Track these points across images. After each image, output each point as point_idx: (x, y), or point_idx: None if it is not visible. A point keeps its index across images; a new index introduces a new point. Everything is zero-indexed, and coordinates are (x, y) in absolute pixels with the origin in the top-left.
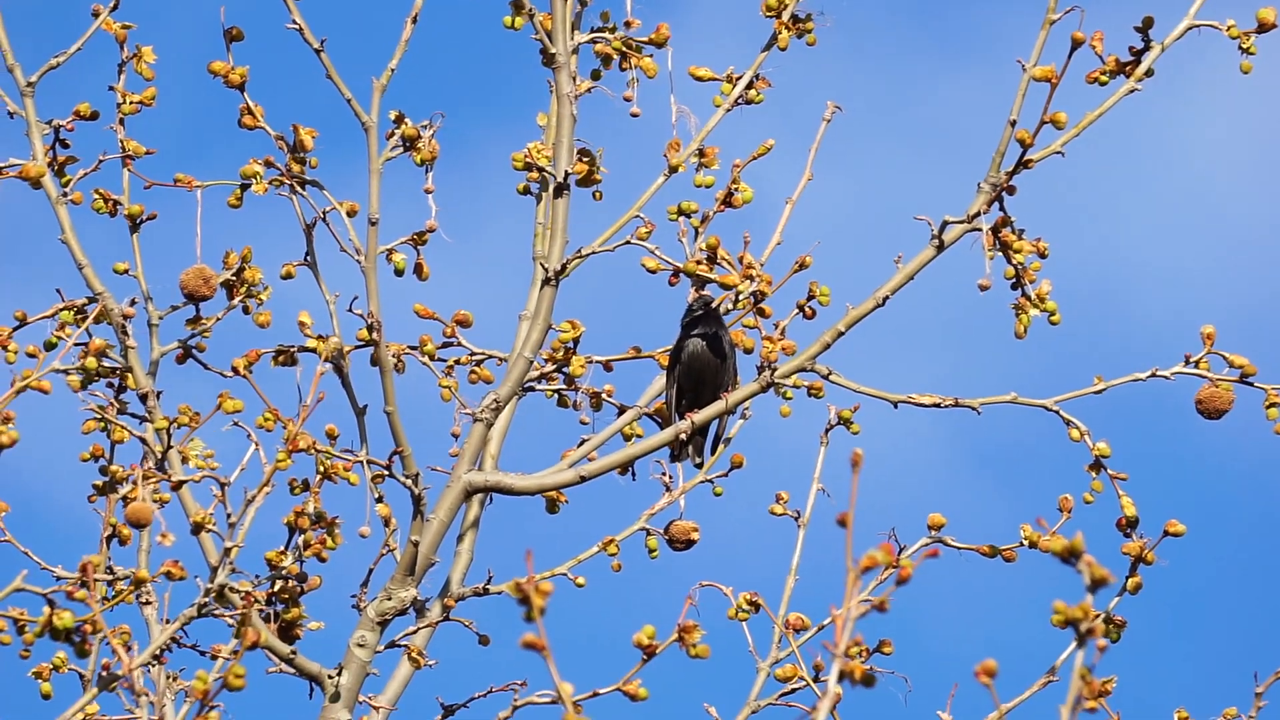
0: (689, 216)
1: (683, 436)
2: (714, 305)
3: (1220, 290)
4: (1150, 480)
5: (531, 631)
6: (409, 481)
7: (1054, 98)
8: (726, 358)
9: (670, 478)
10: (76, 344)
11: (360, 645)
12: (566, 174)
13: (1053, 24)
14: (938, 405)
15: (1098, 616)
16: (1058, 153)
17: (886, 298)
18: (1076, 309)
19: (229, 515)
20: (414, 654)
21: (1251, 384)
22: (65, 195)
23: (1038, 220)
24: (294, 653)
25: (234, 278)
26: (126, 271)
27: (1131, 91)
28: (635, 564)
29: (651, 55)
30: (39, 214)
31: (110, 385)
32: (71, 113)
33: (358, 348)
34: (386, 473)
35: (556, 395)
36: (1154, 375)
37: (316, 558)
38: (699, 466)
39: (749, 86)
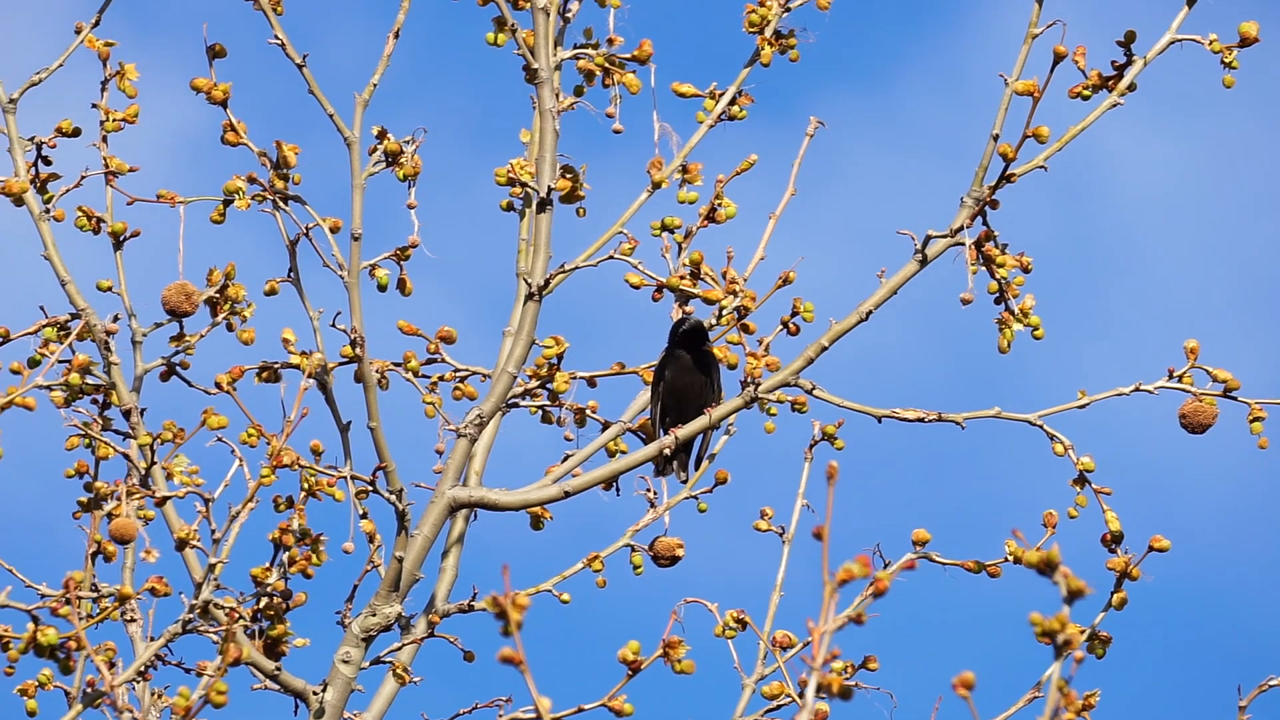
0: (672, 232)
1: (667, 452)
2: (703, 326)
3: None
4: (1135, 495)
5: (509, 646)
6: (393, 497)
7: (1036, 112)
8: (711, 374)
9: (655, 494)
10: (60, 361)
11: (345, 661)
12: (550, 189)
13: (1035, 38)
14: (921, 420)
15: (1076, 629)
16: (1040, 167)
17: (870, 312)
18: (1060, 324)
19: (213, 531)
20: (399, 670)
21: (1235, 398)
22: (47, 212)
23: (1021, 234)
24: (278, 669)
25: (217, 294)
26: (110, 288)
27: (1114, 106)
28: (620, 580)
29: (634, 71)
30: (21, 231)
31: (95, 402)
32: (54, 129)
33: (341, 364)
34: (370, 489)
35: (540, 411)
36: (1138, 389)
37: (302, 574)
38: (683, 482)
39: (732, 102)
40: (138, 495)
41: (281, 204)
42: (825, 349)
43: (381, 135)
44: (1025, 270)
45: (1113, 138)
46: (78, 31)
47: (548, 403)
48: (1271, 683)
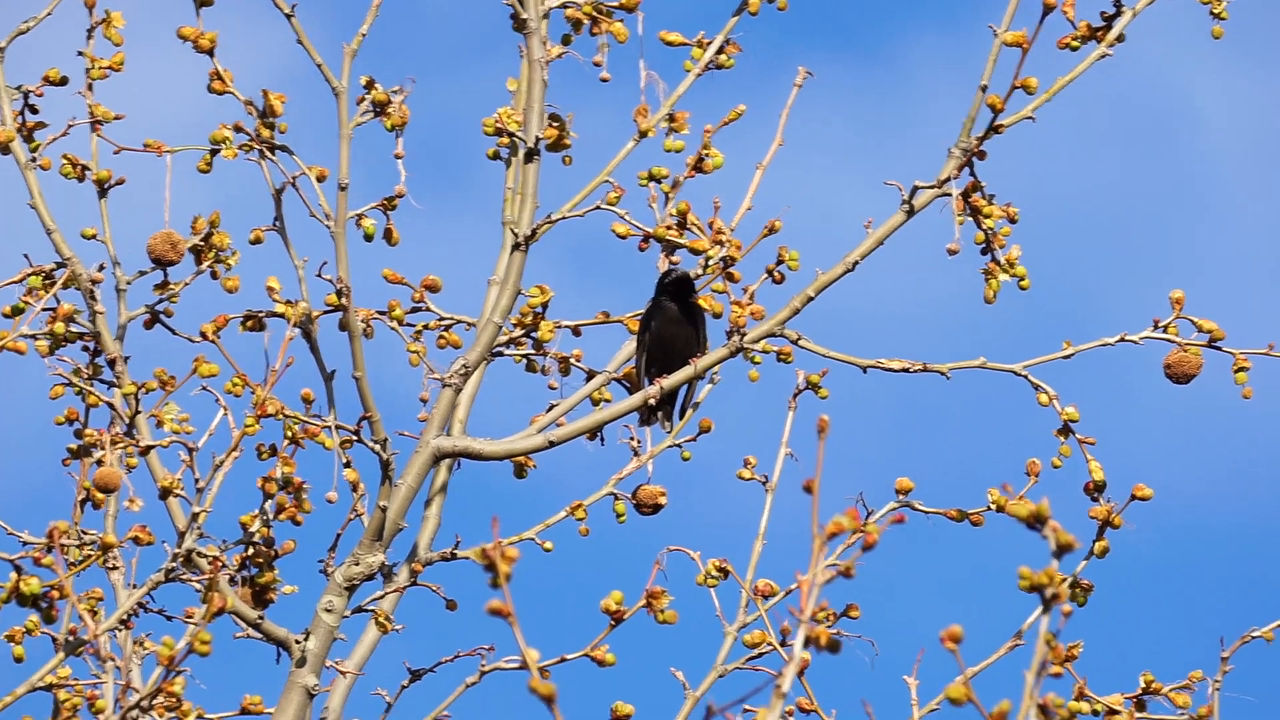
0: (659, 182)
1: (652, 401)
2: (689, 276)
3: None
4: (1118, 445)
5: (497, 597)
6: (377, 447)
7: (1025, 63)
8: (697, 324)
9: (639, 442)
10: (45, 309)
11: (328, 610)
12: (537, 139)
13: None
14: (906, 370)
15: (1063, 581)
16: (1029, 118)
17: (856, 263)
18: (1046, 274)
19: (197, 480)
20: (381, 619)
21: (1220, 348)
22: (34, 160)
23: (1008, 185)
24: (261, 617)
25: (202, 243)
26: (95, 237)
27: (1103, 57)
28: (603, 529)
29: (622, 20)
30: (7, 179)
31: (85, 349)
32: (40, 78)
33: (326, 313)
34: (355, 438)
35: (525, 360)
36: (1123, 340)
37: (291, 521)
38: (668, 431)
39: (719, 51)
40: (122, 444)
41: (268, 153)
42: (811, 299)
43: (369, 85)
44: (1011, 220)
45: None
46: None
47: (532, 352)
48: (1254, 633)
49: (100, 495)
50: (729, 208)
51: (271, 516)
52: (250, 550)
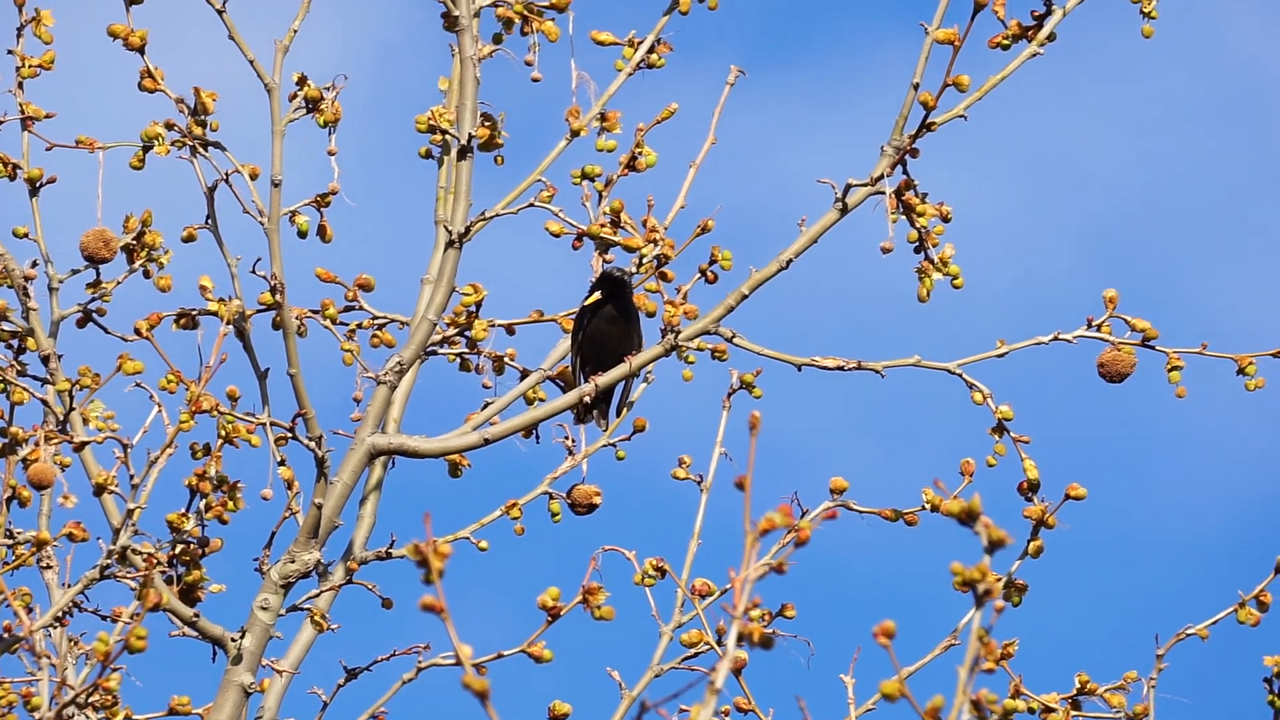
0: (593, 180)
1: (587, 399)
2: (625, 276)
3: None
4: (1052, 444)
5: (430, 594)
6: (312, 444)
7: (956, 61)
8: (632, 322)
9: (573, 441)
10: None
11: (263, 608)
12: (470, 137)
13: None
14: (841, 368)
15: (996, 579)
16: (960, 116)
17: (790, 260)
18: (979, 272)
19: (131, 477)
20: (317, 617)
21: (1153, 347)
22: None
23: (941, 183)
24: (197, 615)
25: (134, 241)
26: (26, 235)
27: (1034, 55)
28: (538, 528)
29: (553, 19)
30: None
31: (9, 347)
32: None
33: (259, 311)
34: (290, 435)
35: (459, 359)
36: (1056, 339)
37: (218, 520)
38: (603, 430)
39: (651, 50)
40: (55, 440)
41: (201, 150)
42: (745, 296)
43: (301, 82)
44: (945, 219)
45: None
46: None
47: (466, 350)
48: (1188, 631)
49: (28, 493)
50: (662, 206)
51: (202, 514)
52: (179, 548)
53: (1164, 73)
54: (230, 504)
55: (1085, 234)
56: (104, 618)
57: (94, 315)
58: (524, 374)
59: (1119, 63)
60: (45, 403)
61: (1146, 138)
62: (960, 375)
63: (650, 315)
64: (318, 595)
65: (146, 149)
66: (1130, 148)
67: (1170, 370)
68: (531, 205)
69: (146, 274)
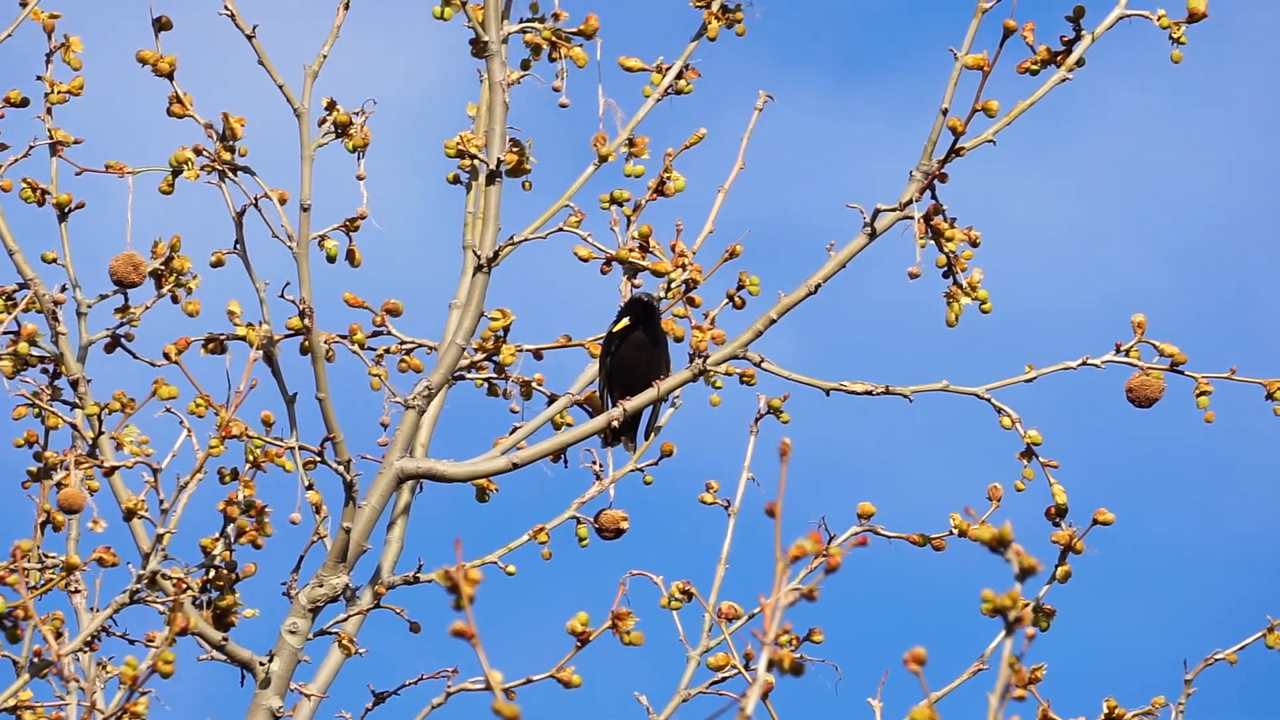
0: (621, 205)
1: (615, 424)
2: (655, 302)
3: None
4: (1081, 469)
5: (461, 620)
6: (341, 468)
7: (986, 86)
8: (660, 347)
9: (601, 466)
10: (6, 331)
11: (292, 632)
12: (499, 162)
13: (985, 12)
14: (869, 393)
15: (1026, 605)
16: (989, 141)
17: (819, 285)
18: (1008, 297)
19: (161, 502)
20: (345, 641)
21: (1182, 372)
22: None
23: (970, 208)
24: (225, 639)
25: (162, 267)
26: (55, 260)
27: (1063, 81)
28: (565, 552)
29: (581, 45)
30: None
31: (45, 371)
32: (1, 99)
33: (288, 336)
34: (318, 459)
35: (487, 384)
36: (1085, 364)
37: (252, 544)
38: (630, 454)
39: (679, 76)
40: (85, 465)
41: (229, 175)
42: (774, 321)
43: (331, 106)
44: (973, 244)
45: None
46: (23, 4)
47: (494, 375)
48: (1218, 656)
49: (61, 517)
50: (691, 231)
51: (233, 539)
52: (211, 573)
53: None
54: (261, 529)
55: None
56: (133, 642)
57: (122, 340)
58: (551, 399)
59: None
60: (75, 427)
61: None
62: (989, 400)
63: (678, 340)
64: (346, 619)
65: (175, 174)
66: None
67: (1199, 395)
68: (560, 230)
69: (175, 299)
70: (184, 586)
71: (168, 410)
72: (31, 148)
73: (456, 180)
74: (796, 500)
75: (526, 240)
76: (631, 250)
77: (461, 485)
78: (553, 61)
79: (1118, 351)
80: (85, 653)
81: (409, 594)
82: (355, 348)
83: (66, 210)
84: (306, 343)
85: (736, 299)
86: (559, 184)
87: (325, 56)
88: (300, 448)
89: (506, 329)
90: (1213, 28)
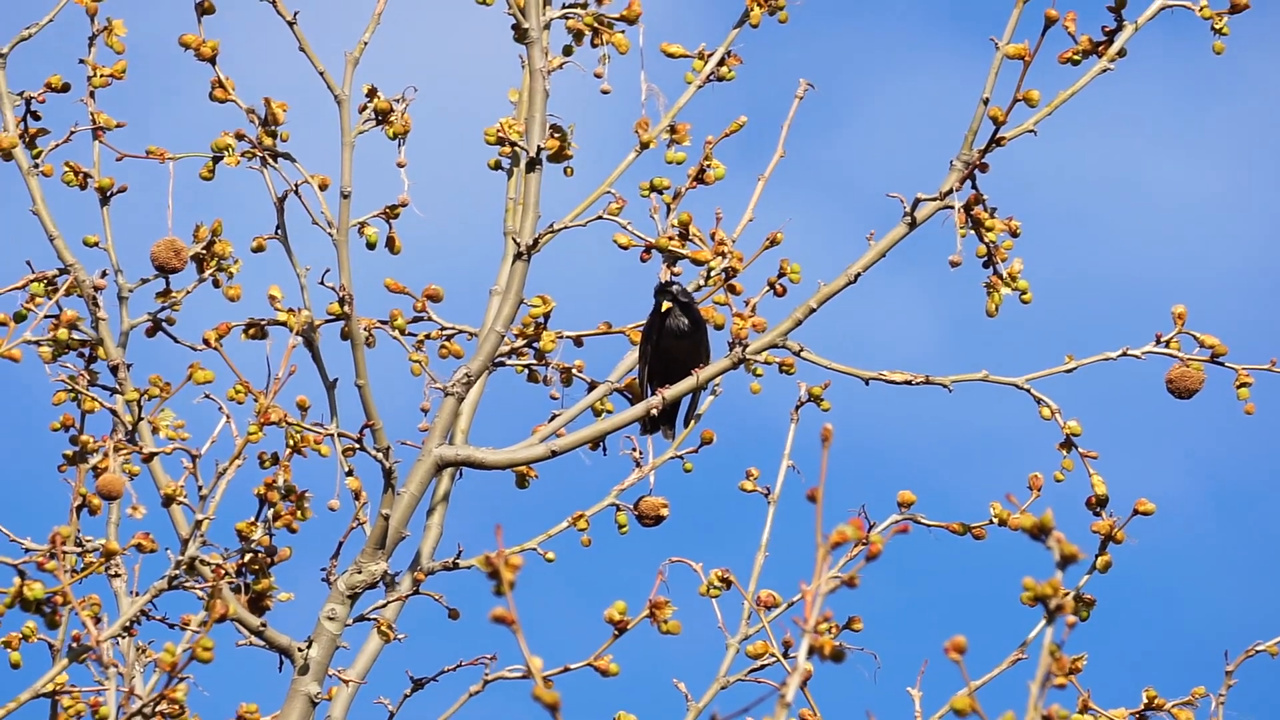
0: (661, 193)
1: (654, 411)
2: (689, 294)
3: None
4: (1121, 459)
5: (501, 605)
6: (380, 455)
7: (1027, 76)
8: (700, 335)
9: (640, 453)
10: (47, 316)
11: (330, 618)
12: (539, 149)
13: (1026, 2)
14: (909, 382)
15: (1067, 594)
16: (1030, 131)
17: (858, 274)
18: (1048, 287)
19: (200, 487)
20: (384, 627)
21: (1222, 364)
22: (36, 167)
23: (1010, 197)
24: (264, 625)
25: (204, 251)
26: (96, 244)
27: (1104, 71)
28: (605, 539)
29: (623, 31)
30: (10, 185)
31: (81, 356)
32: (43, 84)
33: (328, 322)
34: (357, 446)
35: (526, 370)
36: (1125, 354)
37: (287, 529)
38: (670, 441)
39: (720, 63)
40: (124, 451)
41: (270, 161)
42: (814, 310)
43: (372, 93)
44: (1014, 234)
45: None
46: None
47: (534, 362)
48: (1258, 648)
49: (97, 501)
50: (731, 218)
51: (271, 524)
52: (246, 557)
53: None
54: (299, 513)
55: None
56: (172, 626)
57: (163, 325)
58: (591, 386)
59: None
60: (114, 412)
61: None
62: (1029, 390)
63: (719, 328)
64: (384, 605)
65: (217, 159)
66: None
67: (1239, 386)
68: (600, 218)
69: (216, 284)
70: (223, 573)
71: (206, 396)
72: (73, 132)
73: (497, 166)
74: (837, 488)
75: (567, 228)
76: (671, 238)
77: (501, 472)
78: (594, 47)
79: (1158, 342)
80: (124, 638)
81: (448, 580)
82: (396, 333)
83: (108, 195)
84: (346, 329)
85: (778, 286)
86: (600, 171)
87: (366, 43)
88: (340, 434)
89: (547, 316)
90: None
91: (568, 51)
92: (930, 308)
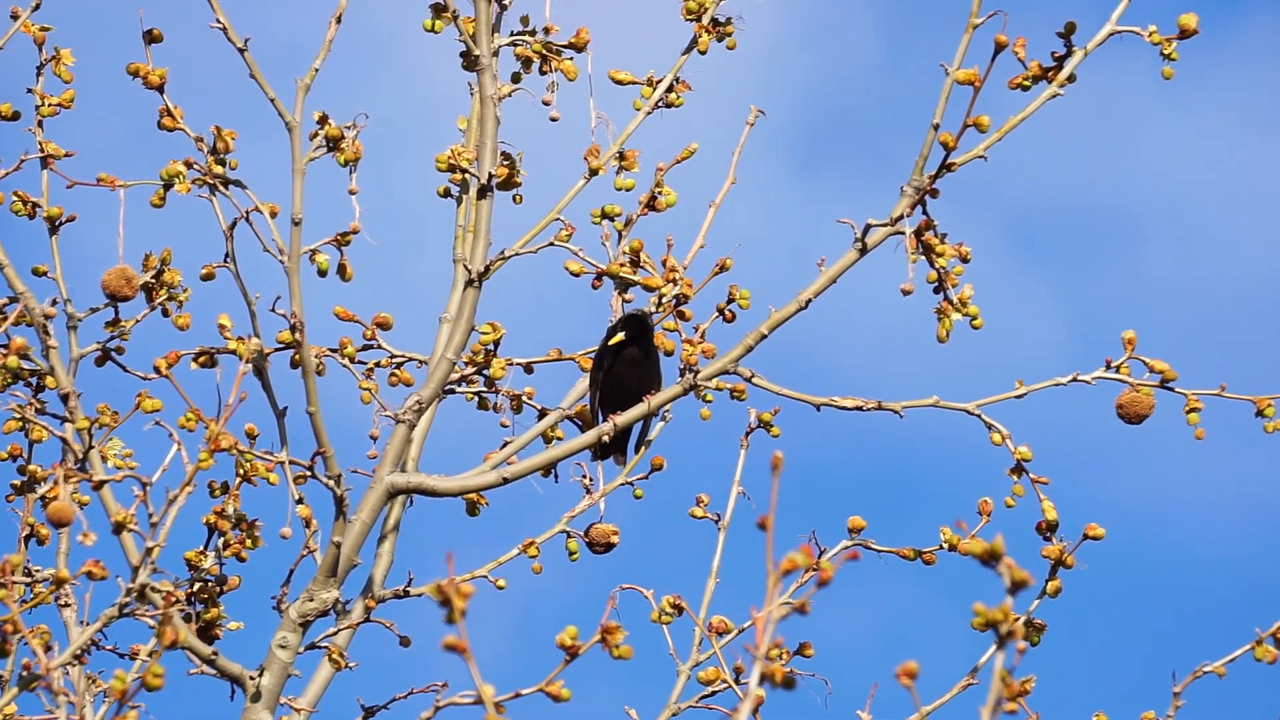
0: (612, 220)
1: (606, 438)
2: (646, 315)
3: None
4: (1071, 485)
5: (453, 633)
6: (331, 482)
7: (976, 101)
8: (651, 362)
9: (591, 480)
10: None
11: (282, 646)
12: (490, 175)
13: (975, 28)
14: (860, 408)
15: (1018, 619)
16: (980, 156)
17: (809, 300)
18: (998, 316)
19: (150, 515)
20: (335, 655)
21: (1172, 389)
22: None
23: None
24: (215, 653)
25: (153, 280)
26: (45, 273)
27: (1054, 96)
28: (555, 566)
29: (571, 59)
30: None
31: (28, 385)
32: None
33: (278, 350)
34: (308, 474)
35: (477, 398)
36: (1075, 380)
37: (236, 558)
38: (621, 468)
39: (669, 90)
40: (75, 478)
41: (220, 188)
42: (765, 336)
43: (323, 120)
44: (964, 260)
45: None
46: (14, 17)
47: (484, 389)
48: (1205, 669)
49: (46, 531)
50: (682, 245)
51: (220, 553)
52: (196, 586)
53: None
54: (249, 542)
55: None
56: (122, 655)
57: (113, 353)
58: (542, 413)
59: None
60: (64, 441)
61: None
62: (979, 416)
63: (669, 354)
64: (336, 633)
65: (167, 187)
66: None
67: (1189, 412)
68: (551, 244)
69: (165, 312)
70: (173, 600)
71: (157, 423)
72: (23, 161)
73: (447, 194)
74: (787, 515)
75: (517, 254)
76: (622, 265)
77: (452, 499)
78: (543, 75)
79: (1108, 368)
80: (74, 666)
81: (399, 608)
82: (346, 361)
83: (57, 223)
84: (297, 356)
85: (726, 313)
86: (549, 198)
87: (317, 70)
88: (291, 461)
89: (497, 343)
90: None
91: (517, 79)
92: (879, 333)
